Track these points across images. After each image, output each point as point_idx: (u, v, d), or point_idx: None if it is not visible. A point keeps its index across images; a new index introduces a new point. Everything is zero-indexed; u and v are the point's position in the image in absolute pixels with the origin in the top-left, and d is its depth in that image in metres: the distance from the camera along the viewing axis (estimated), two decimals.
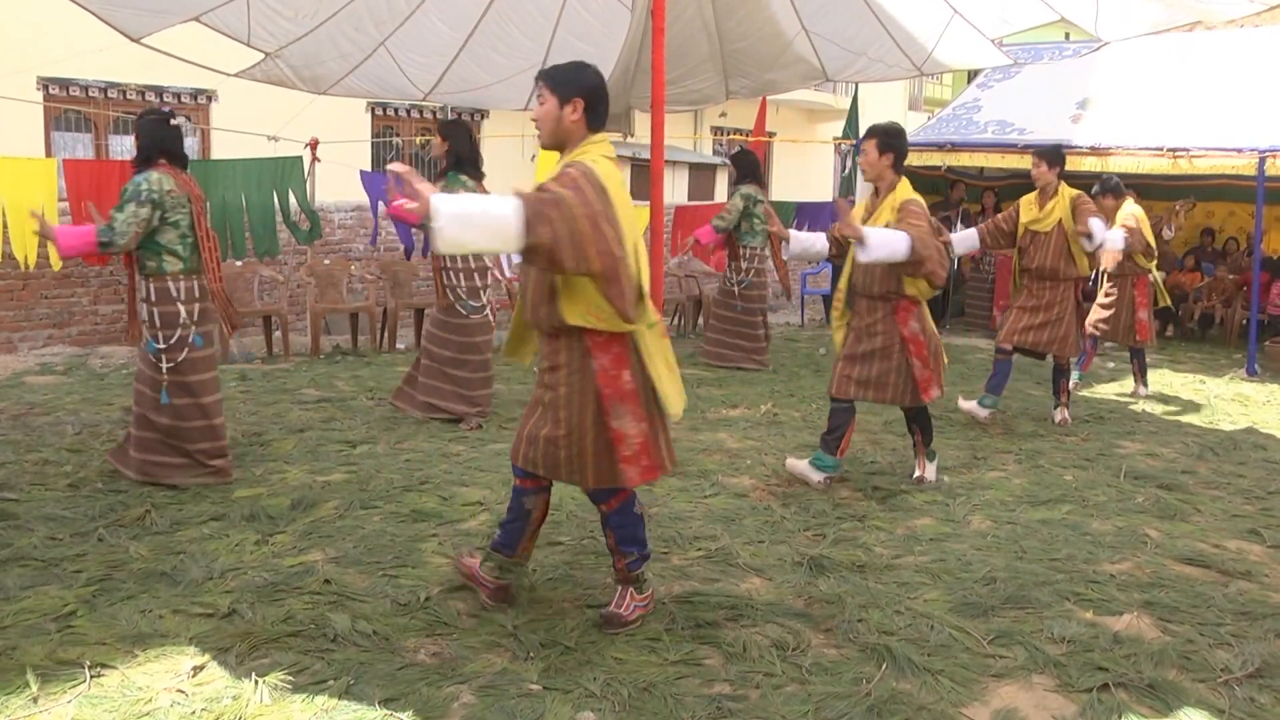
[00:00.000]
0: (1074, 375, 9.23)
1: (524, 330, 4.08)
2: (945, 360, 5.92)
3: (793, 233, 6.11)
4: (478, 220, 3.43)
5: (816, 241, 6.14)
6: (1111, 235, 7.69)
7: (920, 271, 5.51)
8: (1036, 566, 4.70)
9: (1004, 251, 12.49)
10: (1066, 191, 7.50)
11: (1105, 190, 9.20)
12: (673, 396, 3.81)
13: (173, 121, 5.53)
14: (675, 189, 19.57)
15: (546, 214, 3.43)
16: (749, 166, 9.81)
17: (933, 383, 5.79)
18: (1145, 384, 9.22)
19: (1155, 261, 9.16)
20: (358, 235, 12.04)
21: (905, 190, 5.67)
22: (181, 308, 5.49)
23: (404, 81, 9.38)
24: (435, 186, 3.41)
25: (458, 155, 7.05)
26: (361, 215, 12.10)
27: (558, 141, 3.82)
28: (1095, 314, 9.18)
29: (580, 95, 3.76)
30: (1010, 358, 7.59)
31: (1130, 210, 8.98)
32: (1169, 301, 9.46)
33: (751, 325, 9.80)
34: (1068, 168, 11.59)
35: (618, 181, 3.71)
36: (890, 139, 5.67)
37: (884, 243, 5.37)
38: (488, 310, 7.22)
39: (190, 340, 5.52)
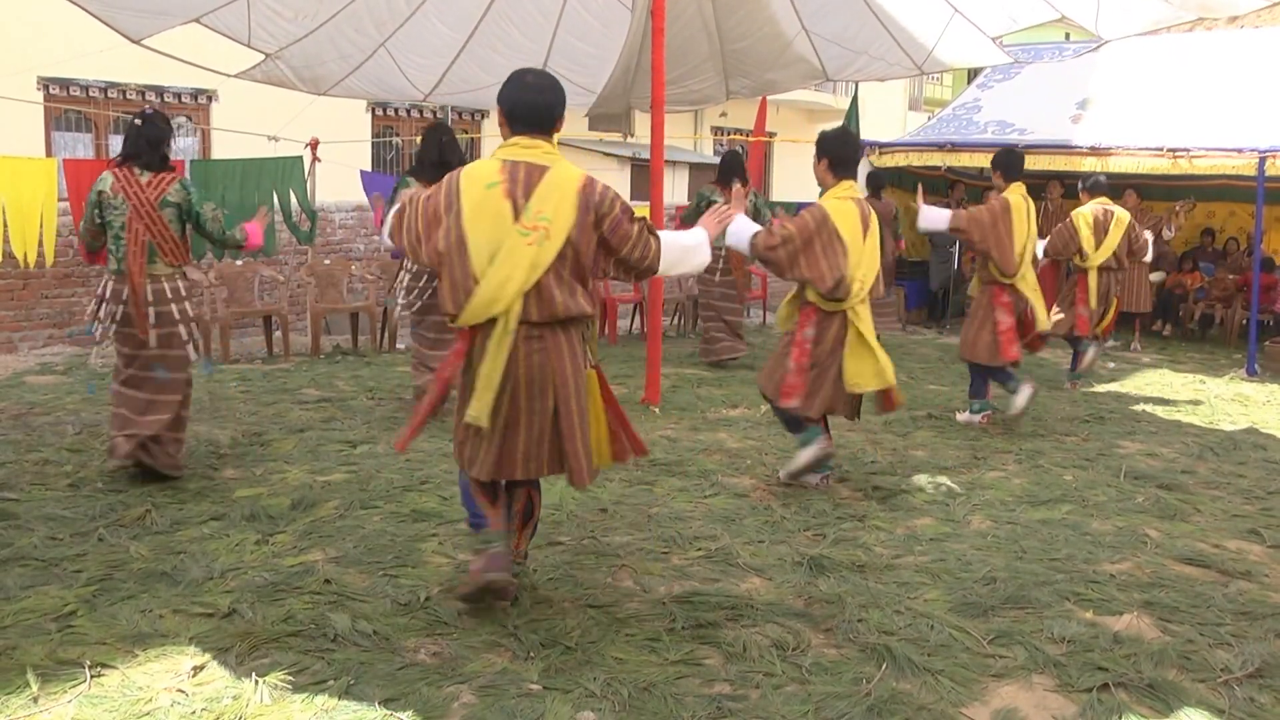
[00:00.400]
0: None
1: None
2: (841, 385, 5.68)
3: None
4: None
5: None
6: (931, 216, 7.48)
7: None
8: (1036, 566, 4.69)
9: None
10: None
11: (1084, 188, 9.31)
12: (475, 401, 3.81)
13: (138, 121, 5.55)
14: (675, 189, 19.59)
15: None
16: (725, 168, 9.67)
17: (796, 392, 5.65)
18: (1078, 376, 9.44)
19: (1097, 262, 9.21)
20: (358, 235, 12.05)
21: (828, 195, 5.70)
22: (104, 306, 5.58)
23: (404, 82, 9.39)
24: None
25: (418, 158, 7.21)
26: (362, 215, 12.10)
27: None
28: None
29: (498, 100, 3.96)
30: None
31: (1087, 209, 9.16)
32: (1149, 305, 9.55)
33: (733, 312, 9.80)
34: (1067, 168, 11.71)
35: (482, 185, 3.78)
36: (822, 144, 5.72)
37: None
38: None
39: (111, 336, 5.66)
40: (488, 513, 4.03)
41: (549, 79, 3.95)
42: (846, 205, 5.60)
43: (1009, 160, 7.50)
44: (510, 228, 3.72)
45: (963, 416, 7.66)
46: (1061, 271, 12.91)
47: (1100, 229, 9.17)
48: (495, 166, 3.80)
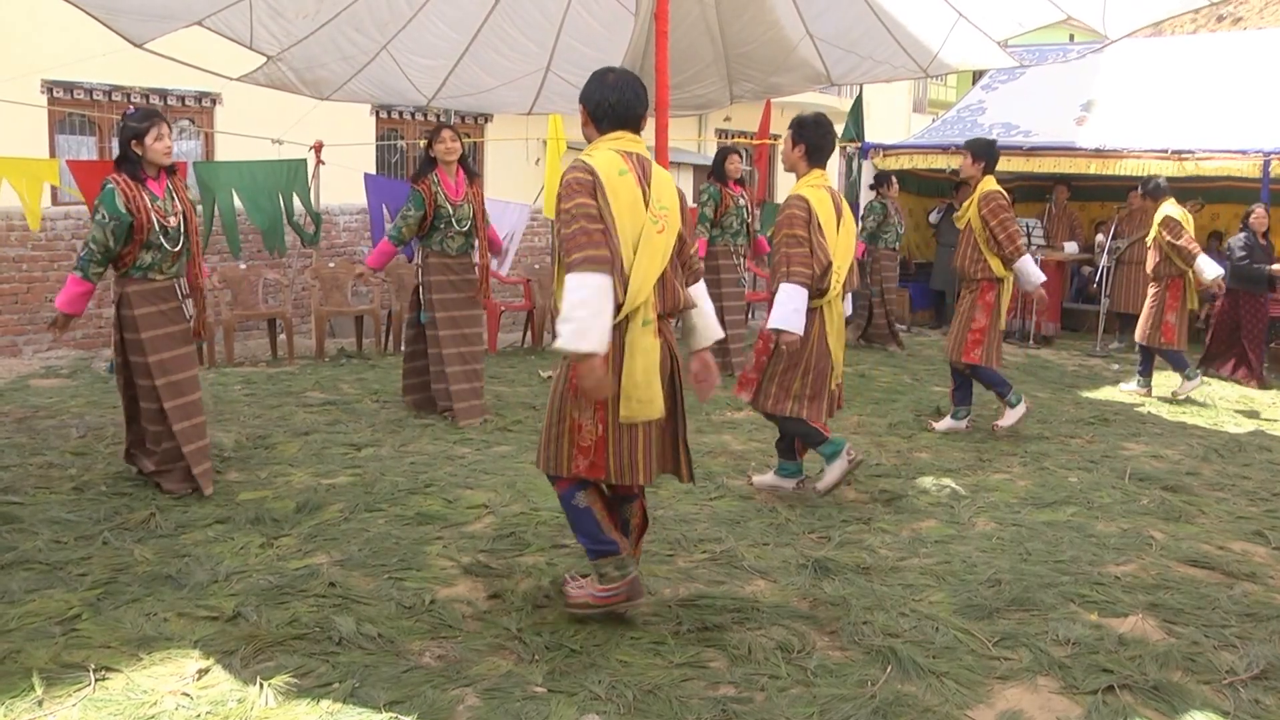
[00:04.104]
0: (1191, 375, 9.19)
1: None
2: (826, 389, 5.61)
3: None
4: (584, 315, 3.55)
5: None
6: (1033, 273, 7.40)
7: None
8: (1041, 568, 4.69)
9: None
10: (982, 188, 7.24)
11: (1144, 193, 9.22)
12: (635, 403, 3.74)
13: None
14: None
15: (580, 244, 3.56)
16: (713, 166, 9.70)
17: (771, 396, 5.59)
18: (1143, 381, 9.26)
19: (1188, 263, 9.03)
20: (362, 238, 12.05)
21: (801, 184, 5.56)
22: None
23: (407, 85, 9.39)
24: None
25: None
26: (367, 218, 12.10)
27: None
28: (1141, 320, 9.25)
29: (582, 100, 3.92)
30: (959, 372, 7.46)
31: (1167, 212, 8.95)
32: (1195, 304, 9.42)
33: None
34: (1072, 170, 11.71)
35: (615, 171, 3.72)
36: (802, 130, 5.55)
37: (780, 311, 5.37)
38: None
39: None
40: (614, 535, 3.95)
41: (631, 76, 3.95)
42: (821, 194, 5.51)
43: (995, 153, 7.39)
44: (644, 215, 3.73)
45: (941, 424, 7.53)
46: (1066, 271, 12.92)
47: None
48: (616, 157, 3.76)
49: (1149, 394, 9.18)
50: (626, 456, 3.80)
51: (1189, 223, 8.95)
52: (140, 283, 5.41)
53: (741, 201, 9.47)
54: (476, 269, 7.44)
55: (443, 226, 7.20)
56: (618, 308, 3.66)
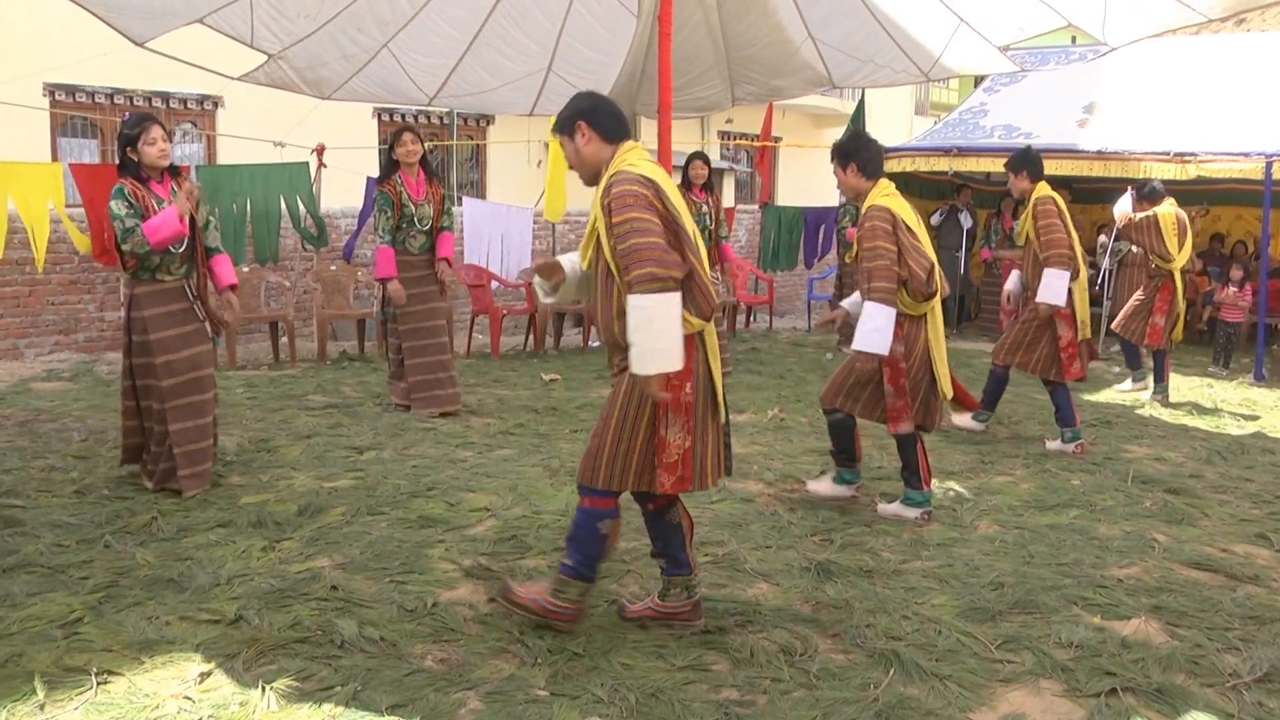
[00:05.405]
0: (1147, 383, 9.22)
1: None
2: (945, 397, 5.53)
3: None
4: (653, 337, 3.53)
5: None
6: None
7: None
8: (1044, 571, 4.68)
9: (1006, 255, 12.51)
10: (1035, 195, 7.06)
11: (1141, 196, 9.22)
12: (723, 405, 3.86)
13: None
14: None
15: (642, 260, 3.49)
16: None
17: (904, 415, 5.37)
18: (1158, 388, 9.18)
19: (1173, 264, 9.05)
20: (365, 241, 12.05)
21: (874, 196, 5.37)
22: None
23: (408, 84, 9.36)
24: None
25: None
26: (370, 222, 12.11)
27: (593, 172, 3.82)
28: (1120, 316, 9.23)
29: (580, 118, 3.79)
30: (999, 370, 7.36)
31: (1155, 209, 8.97)
32: (1181, 308, 9.40)
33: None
34: (1074, 172, 11.70)
35: (663, 174, 3.71)
36: (843, 153, 5.45)
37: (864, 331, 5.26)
38: None
39: None
40: (690, 554, 3.98)
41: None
42: (900, 200, 5.36)
43: (1034, 158, 7.18)
44: (690, 218, 3.75)
45: (960, 420, 7.51)
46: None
47: (1182, 230, 9.04)
48: (657, 166, 3.76)
49: (1149, 386, 9.18)
50: (700, 463, 3.82)
51: (1167, 223, 8.96)
52: (149, 284, 5.45)
53: (704, 208, 9.55)
54: (436, 266, 7.66)
55: (405, 226, 7.49)
56: (703, 314, 3.69)
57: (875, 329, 5.19)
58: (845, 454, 5.73)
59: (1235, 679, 3.67)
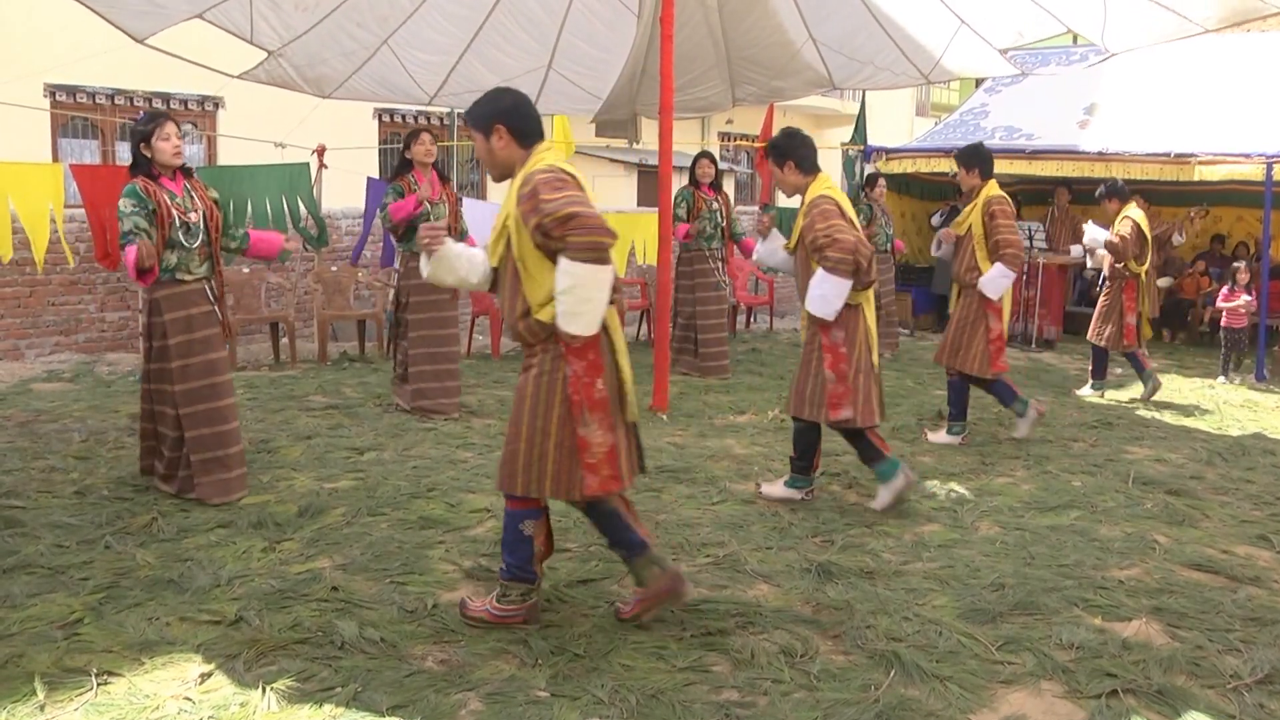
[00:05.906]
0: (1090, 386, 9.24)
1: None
2: (880, 386, 5.60)
3: None
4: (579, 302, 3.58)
5: None
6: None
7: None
8: (1045, 572, 4.68)
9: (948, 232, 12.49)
10: (985, 194, 7.14)
11: (1110, 193, 9.18)
12: (632, 400, 3.88)
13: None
14: None
15: (587, 226, 3.53)
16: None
17: (844, 401, 5.38)
18: (1146, 380, 9.17)
19: (1146, 266, 9.07)
20: (365, 242, 12.06)
21: (814, 189, 5.47)
22: None
23: (408, 82, 9.36)
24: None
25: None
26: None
27: (504, 172, 3.86)
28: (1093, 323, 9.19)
29: (498, 121, 3.79)
30: (955, 378, 7.30)
31: (1129, 214, 8.95)
32: (1155, 311, 9.40)
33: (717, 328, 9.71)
34: (1074, 173, 11.69)
35: (580, 174, 3.77)
36: (777, 152, 5.52)
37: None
38: None
39: None
40: (538, 569, 3.99)
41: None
42: (839, 192, 5.49)
43: (986, 156, 7.31)
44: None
45: (935, 437, 7.35)
46: (1069, 275, 12.89)
47: (1147, 229, 9.04)
48: (565, 162, 3.79)
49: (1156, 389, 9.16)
50: (624, 458, 3.83)
51: (1143, 224, 8.94)
52: (169, 286, 5.41)
53: (715, 205, 9.51)
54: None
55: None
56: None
57: (821, 296, 5.32)
58: (804, 462, 5.74)
59: (1236, 680, 3.67)
